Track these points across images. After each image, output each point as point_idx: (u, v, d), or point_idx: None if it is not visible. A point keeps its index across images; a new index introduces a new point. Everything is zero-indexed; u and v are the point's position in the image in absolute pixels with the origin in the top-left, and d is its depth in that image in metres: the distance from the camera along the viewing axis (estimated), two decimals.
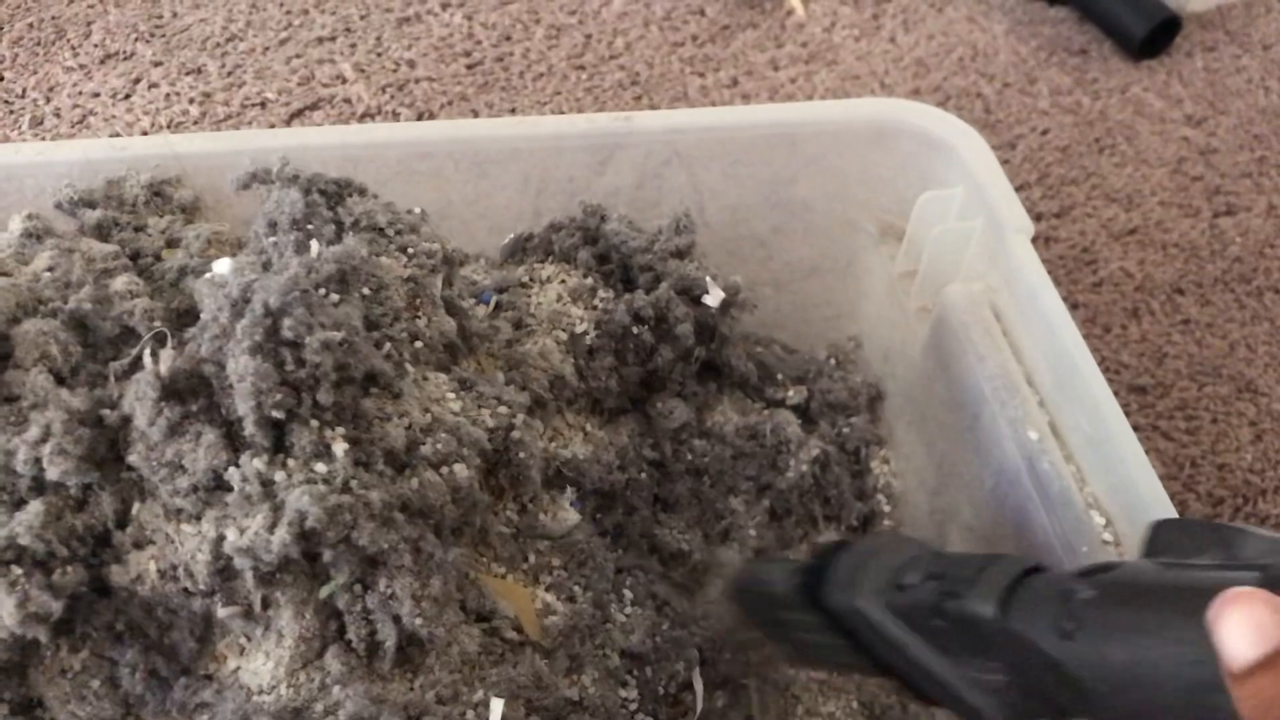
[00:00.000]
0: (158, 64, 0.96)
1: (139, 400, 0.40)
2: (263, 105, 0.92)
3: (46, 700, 0.41)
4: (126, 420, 0.41)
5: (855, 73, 0.99)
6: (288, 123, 0.91)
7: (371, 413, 0.43)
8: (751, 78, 0.98)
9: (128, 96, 0.93)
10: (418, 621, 0.42)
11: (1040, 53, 1.03)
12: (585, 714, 0.47)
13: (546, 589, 0.50)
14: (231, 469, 0.40)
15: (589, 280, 0.57)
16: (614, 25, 1.02)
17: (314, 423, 0.41)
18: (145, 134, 0.89)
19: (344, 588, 0.41)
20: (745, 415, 0.59)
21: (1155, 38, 1.01)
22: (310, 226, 0.46)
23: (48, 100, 0.92)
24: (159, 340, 0.44)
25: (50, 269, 0.45)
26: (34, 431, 0.39)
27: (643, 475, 0.56)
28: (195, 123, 0.91)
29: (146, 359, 0.43)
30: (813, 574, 0.44)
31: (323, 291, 0.42)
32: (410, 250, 0.48)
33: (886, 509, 0.61)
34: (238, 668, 0.43)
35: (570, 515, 0.51)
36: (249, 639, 0.42)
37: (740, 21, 1.04)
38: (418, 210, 0.50)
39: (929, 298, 0.57)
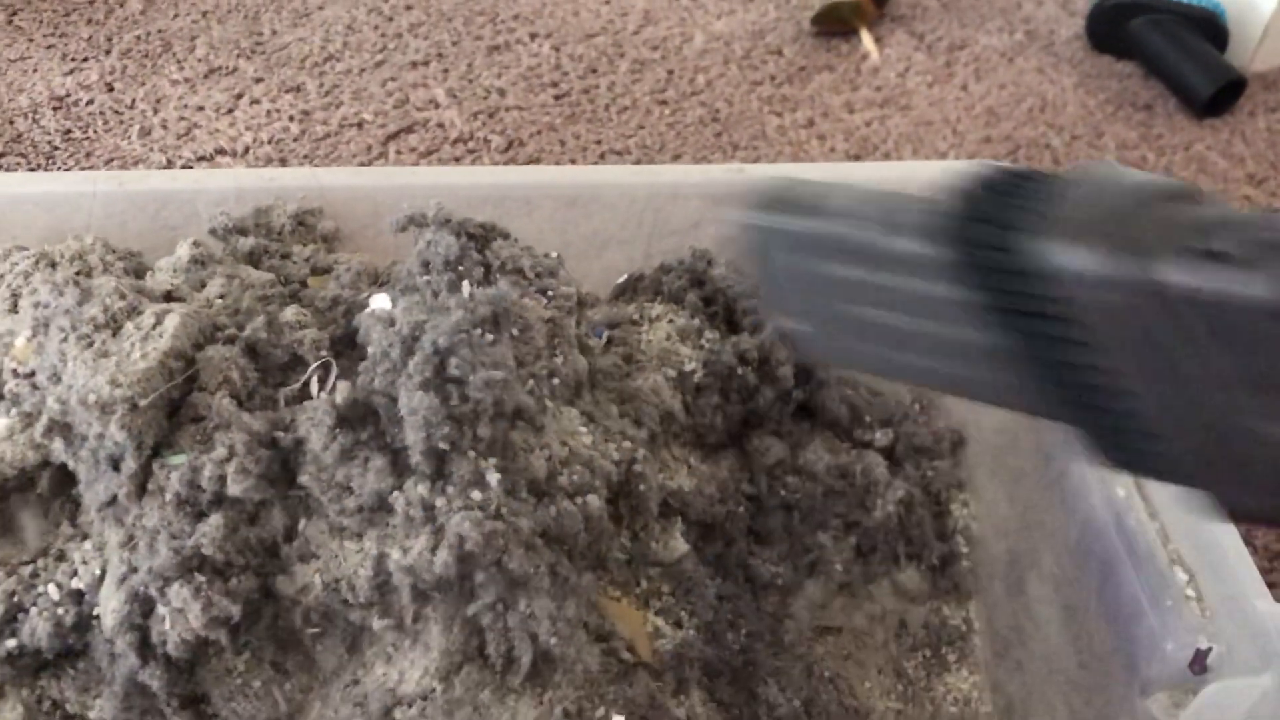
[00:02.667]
0: (259, 80, 1.00)
1: (315, 426, 0.44)
2: (360, 126, 0.96)
3: (211, 697, 0.45)
4: (298, 443, 0.45)
5: (928, 119, 1.02)
6: (384, 144, 0.95)
7: (518, 445, 0.47)
8: (827, 119, 1.01)
9: (230, 111, 0.97)
10: (553, 641, 0.45)
11: (1107, 106, 1.06)
12: None
13: (656, 613, 0.53)
14: (396, 493, 0.44)
15: (696, 321, 0.61)
16: (695, 62, 1.06)
17: (471, 453, 0.45)
18: (249, 149, 0.93)
19: (487, 607, 0.45)
20: (835, 455, 0.63)
21: (1220, 97, 1.04)
22: (461, 268, 0.50)
23: (155, 111, 0.97)
24: (324, 368, 0.47)
25: (221, 296, 0.49)
26: (220, 451, 0.43)
27: (740, 509, 0.59)
28: (295, 139, 0.95)
29: (314, 386, 0.46)
30: (975, 211, 0.28)
31: (479, 331, 0.46)
32: (550, 293, 0.52)
33: (964, 550, 0.64)
34: (384, 674, 0.46)
35: (680, 545, 0.54)
36: (396, 649, 0.46)
37: (817, 63, 1.07)
38: (554, 254, 0.53)
39: None
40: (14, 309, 0.51)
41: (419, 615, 0.45)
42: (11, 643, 0.43)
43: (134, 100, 0.98)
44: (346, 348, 0.50)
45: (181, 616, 0.42)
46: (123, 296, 0.47)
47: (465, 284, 0.49)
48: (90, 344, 0.44)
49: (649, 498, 0.52)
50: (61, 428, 0.44)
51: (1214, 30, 1.08)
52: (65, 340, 0.45)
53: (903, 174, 0.63)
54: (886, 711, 0.61)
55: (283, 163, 0.92)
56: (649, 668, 0.51)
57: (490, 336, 0.46)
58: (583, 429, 0.50)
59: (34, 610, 0.43)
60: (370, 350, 0.46)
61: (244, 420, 0.44)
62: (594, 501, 0.48)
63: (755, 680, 0.56)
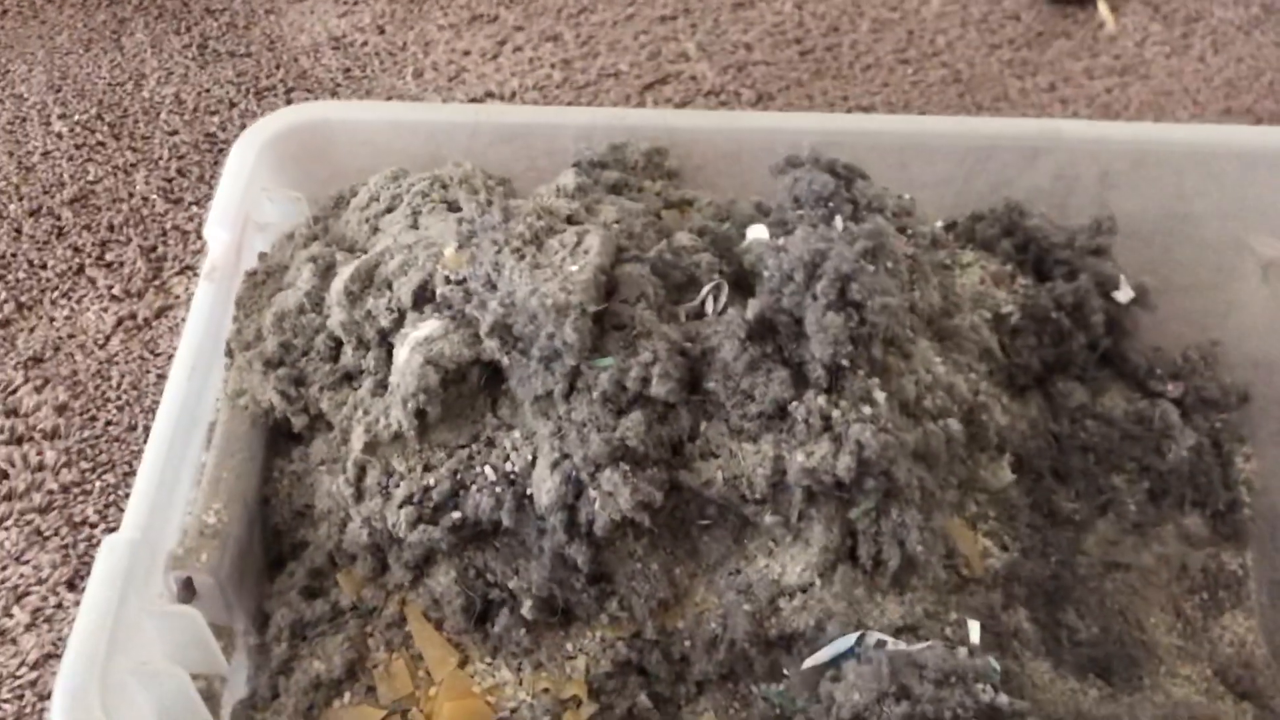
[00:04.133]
0: (519, 28, 1.05)
1: (727, 338, 0.49)
2: (616, 76, 1.01)
3: (615, 575, 0.50)
4: (704, 353, 0.50)
5: (1168, 89, 1.03)
6: (641, 94, 0.99)
7: (893, 368, 0.51)
8: (1069, 84, 1.03)
9: (495, 57, 1.03)
10: (919, 549, 0.50)
11: None
12: (1019, 642, 0.55)
13: (984, 535, 0.57)
14: (795, 403, 0.49)
15: (1009, 267, 0.64)
16: (934, 24, 1.08)
17: (861, 372, 0.49)
18: (515, 93, 0.99)
19: (865, 512, 0.49)
20: (1130, 403, 0.66)
21: None
22: (831, 204, 0.54)
23: (425, 54, 1.03)
24: (716, 289, 0.52)
25: (617, 221, 0.54)
26: (645, 355, 0.48)
27: (1047, 447, 0.63)
28: (558, 86, 1.00)
29: (708, 304, 0.51)
30: None
31: (865, 261, 0.50)
32: (909, 231, 0.56)
33: (1247, 499, 0.67)
34: (766, 566, 0.51)
35: (1007, 474, 0.58)
36: (777, 544, 0.51)
37: (1054, 30, 1.09)
38: (908, 196, 0.57)
39: None
40: (414, 225, 0.57)
41: (803, 514, 0.50)
42: (456, 515, 0.49)
43: (405, 43, 1.04)
44: (723, 271, 0.55)
45: (612, 499, 0.47)
46: (539, 217, 0.52)
47: (838, 219, 0.53)
48: (522, 257, 0.50)
49: (989, 426, 0.56)
50: (502, 328, 0.49)
51: None
52: (499, 252, 0.50)
53: (1218, 137, 0.66)
54: (1170, 647, 0.64)
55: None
56: (981, 582, 0.55)
57: (871, 267, 0.51)
58: (937, 359, 0.54)
59: (474, 488, 0.49)
60: (766, 274, 0.50)
61: (663, 329, 0.49)
62: (954, 425, 0.52)
63: (1058, 606, 0.60)
